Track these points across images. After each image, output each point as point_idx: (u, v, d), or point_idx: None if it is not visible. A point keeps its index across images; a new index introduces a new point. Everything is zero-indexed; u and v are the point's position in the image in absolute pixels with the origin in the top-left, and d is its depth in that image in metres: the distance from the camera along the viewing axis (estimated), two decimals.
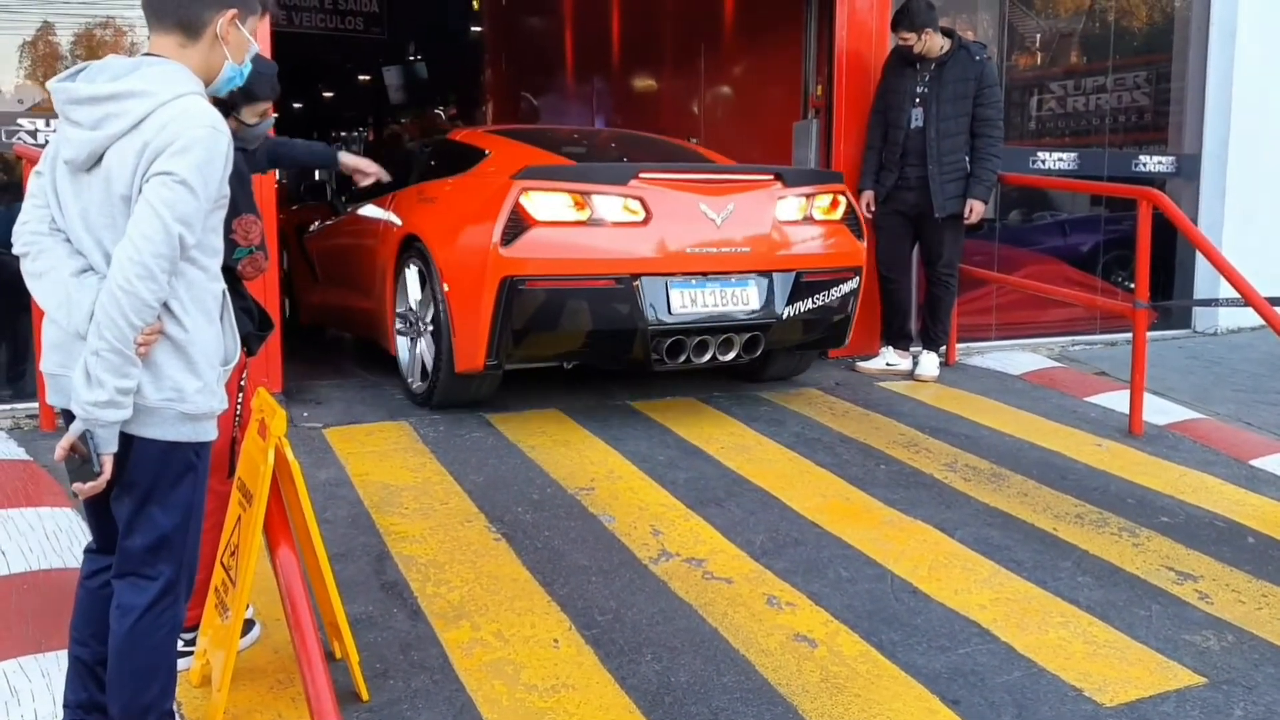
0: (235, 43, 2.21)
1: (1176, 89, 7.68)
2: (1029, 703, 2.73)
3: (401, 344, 5.34)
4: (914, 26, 5.73)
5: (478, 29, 16.10)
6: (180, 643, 2.69)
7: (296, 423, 4.84)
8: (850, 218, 5.16)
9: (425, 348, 5.04)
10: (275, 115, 3.29)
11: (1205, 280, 7.23)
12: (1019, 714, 2.69)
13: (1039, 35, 7.55)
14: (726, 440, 4.71)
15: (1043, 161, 7.03)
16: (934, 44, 5.79)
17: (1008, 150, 6.42)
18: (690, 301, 4.69)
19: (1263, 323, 4.77)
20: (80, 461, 2.02)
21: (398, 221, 5.39)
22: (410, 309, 5.18)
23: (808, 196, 5.01)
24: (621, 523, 3.81)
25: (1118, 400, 5.34)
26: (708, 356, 4.78)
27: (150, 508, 2.14)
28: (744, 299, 4.80)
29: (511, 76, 14.36)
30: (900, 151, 5.90)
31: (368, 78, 19.35)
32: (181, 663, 2.70)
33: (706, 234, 4.71)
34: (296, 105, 21.46)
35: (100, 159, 2.05)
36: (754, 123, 7.67)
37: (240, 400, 2.75)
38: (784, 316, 4.87)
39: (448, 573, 3.39)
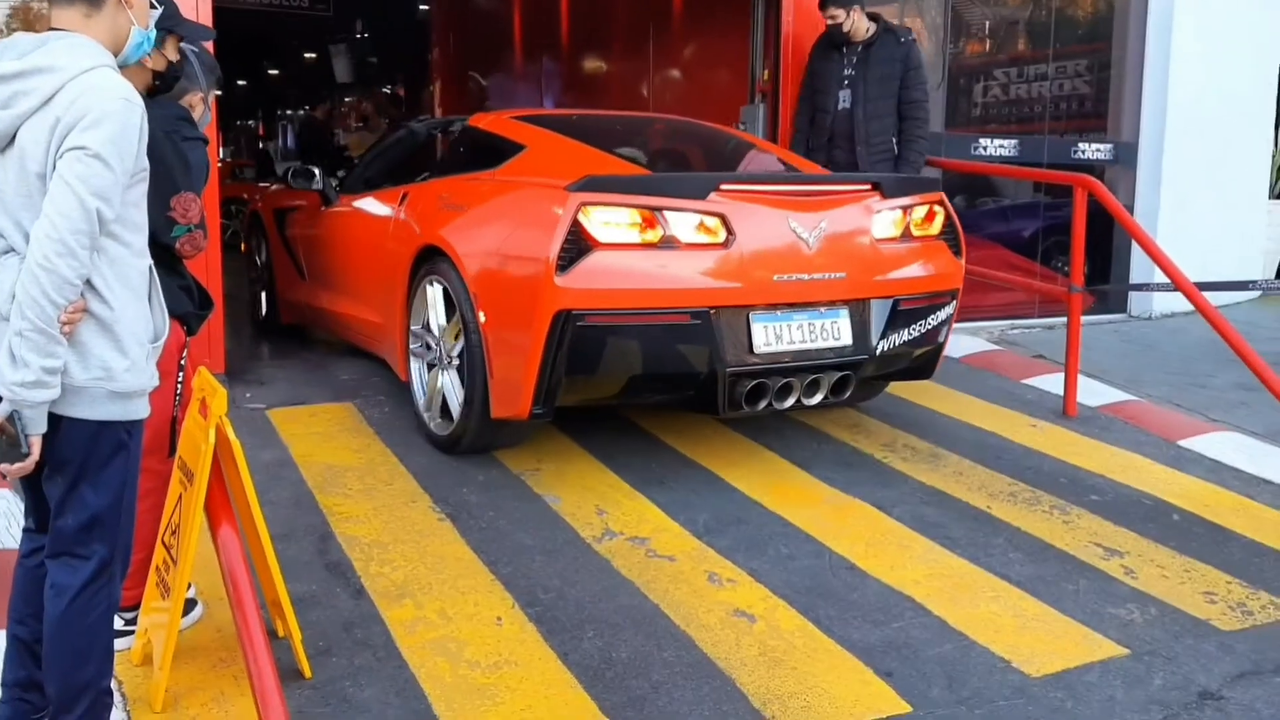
0: (139, 6, 2.19)
1: (1116, 77, 7.81)
2: (959, 674, 2.82)
3: (416, 371, 4.53)
4: (842, 3, 5.78)
5: (425, 7, 15.96)
6: (121, 621, 2.69)
7: (239, 404, 4.82)
8: (948, 231, 4.48)
9: (449, 381, 4.28)
10: (220, 92, 3.27)
11: (1141, 266, 7.37)
12: (949, 685, 2.77)
13: (986, 22, 7.65)
14: (673, 421, 4.75)
15: (984, 148, 7.12)
16: (861, 25, 5.84)
17: (950, 137, 6.50)
18: (775, 337, 3.96)
19: (1194, 307, 4.90)
20: (8, 443, 2.02)
21: (414, 226, 4.56)
22: (430, 332, 4.40)
23: (905, 209, 4.30)
24: (567, 503, 3.84)
25: (1053, 383, 5.46)
26: (791, 401, 4.05)
27: (82, 487, 2.14)
28: (835, 332, 4.08)
29: (460, 56, 14.26)
30: (828, 135, 5.95)
31: (314, 55, 19.13)
32: (123, 641, 2.71)
33: (797, 256, 3.97)
34: (241, 83, 21.16)
35: (13, 138, 2.03)
36: (702, 106, 7.69)
37: (180, 379, 2.74)
38: (879, 351, 4.19)
39: (391, 552, 3.41)
